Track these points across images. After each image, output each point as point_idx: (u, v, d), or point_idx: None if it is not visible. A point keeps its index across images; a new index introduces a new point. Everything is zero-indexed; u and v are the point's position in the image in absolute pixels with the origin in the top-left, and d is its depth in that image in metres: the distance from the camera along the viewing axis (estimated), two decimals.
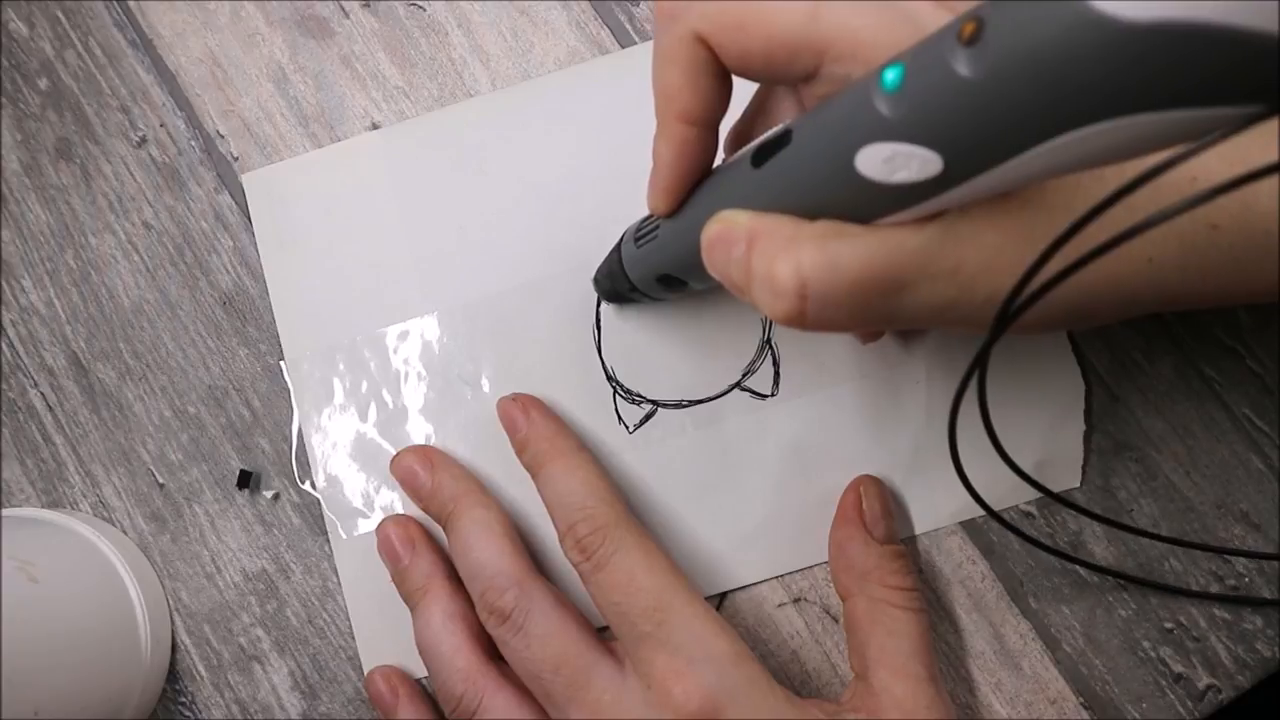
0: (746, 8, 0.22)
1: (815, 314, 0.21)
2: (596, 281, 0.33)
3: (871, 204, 0.20)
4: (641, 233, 0.29)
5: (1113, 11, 0.14)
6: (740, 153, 0.24)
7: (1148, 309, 0.23)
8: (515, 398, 0.33)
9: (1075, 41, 0.14)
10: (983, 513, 0.32)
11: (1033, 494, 0.32)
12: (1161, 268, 0.21)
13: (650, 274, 0.29)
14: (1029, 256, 0.18)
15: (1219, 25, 0.13)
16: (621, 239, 0.31)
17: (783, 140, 0.22)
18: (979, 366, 0.20)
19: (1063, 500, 0.28)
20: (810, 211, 0.22)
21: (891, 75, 0.18)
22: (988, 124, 0.17)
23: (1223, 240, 0.21)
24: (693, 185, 0.26)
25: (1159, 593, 0.32)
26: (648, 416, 0.33)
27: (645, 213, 0.29)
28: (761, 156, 0.23)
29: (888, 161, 0.19)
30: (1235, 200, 0.20)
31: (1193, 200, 0.15)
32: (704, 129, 0.25)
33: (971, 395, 0.22)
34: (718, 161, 0.26)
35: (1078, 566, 0.32)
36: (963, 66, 0.16)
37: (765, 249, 0.22)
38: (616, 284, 0.31)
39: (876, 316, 0.22)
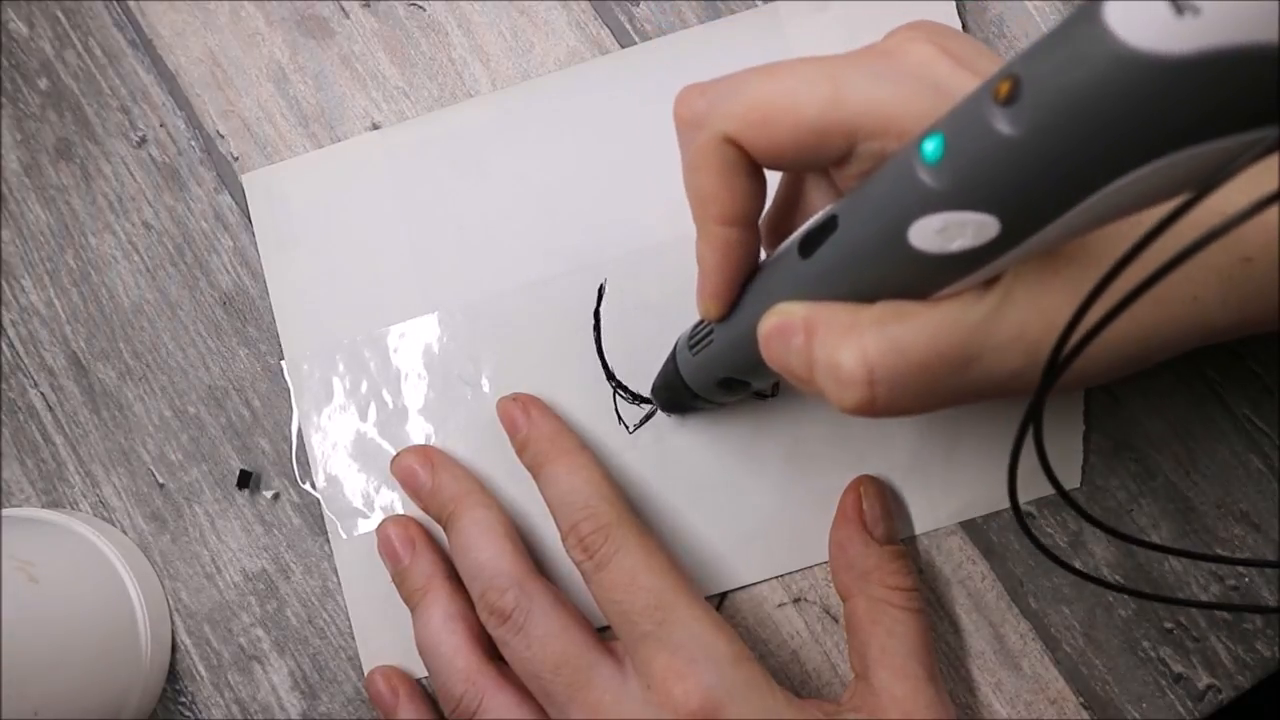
0: (770, 102, 0.22)
1: (885, 400, 0.21)
2: (655, 393, 0.33)
3: (930, 277, 0.20)
4: (695, 339, 0.28)
5: (1151, 48, 0.13)
6: (785, 245, 0.24)
7: (1194, 345, 0.23)
8: (515, 397, 0.33)
9: (1117, 84, 0.14)
10: (982, 513, 0.32)
11: (1032, 494, 0.32)
12: (1205, 305, 0.21)
13: (710, 380, 0.29)
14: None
15: (1257, 45, 0.13)
16: (675, 348, 0.30)
17: (828, 227, 0.22)
18: (1034, 419, 0.20)
19: (1131, 539, 0.26)
20: (866, 294, 0.21)
21: (931, 146, 0.18)
22: (1040, 180, 0.16)
23: (1256, 271, 0.21)
24: (741, 285, 0.26)
25: (1159, 592, 0.32)
26: (648, 416, 0.33)
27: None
28: (809, 246, 0.22)
29: (942, 232, 0.18)
30: (1262, 232, 0.21)
31: (1216, 231, 0.14)
32: (745, 227, 0.25)
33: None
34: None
35: (1077, 566, 0.32)
36: (1004, 126, 0.16)
37: (826, 338, 0.21)
38: (676, 395, 0.31)
39: (946, 395, 0.22)
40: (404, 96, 0.35)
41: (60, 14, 0.37)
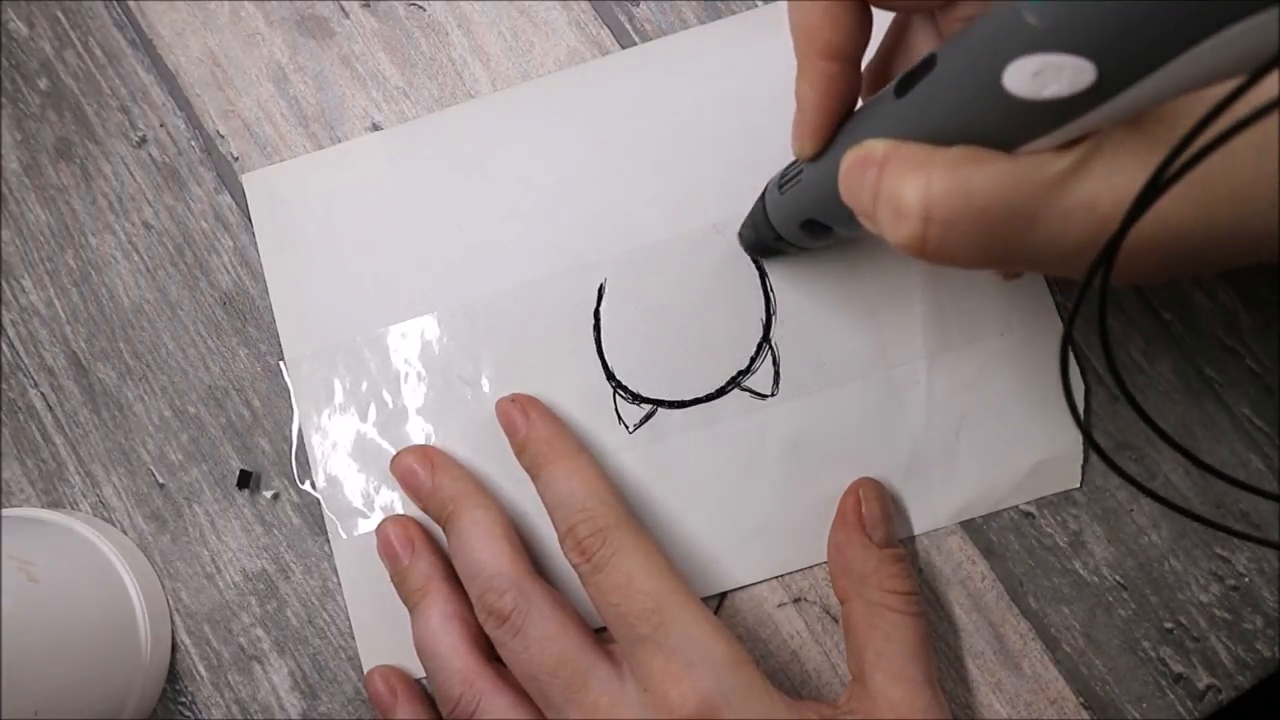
0: None
1: (938, 240, 0.21)
2: (741, 235, 0.33)
3: (1018, 126, 0.19)
4: (785, 179, 0.28)
5: None
6: (885, 88, 0.23)
7: (1246, 258, 0.22)
8: (514, 398, 0.33)
9: None
10: (982, 513, 0.32)
11: (1032, 494, 0.32)
12: (1257, 208, 0.20)
13: (794, 220, 0.28)
14: (1171, 196, 0.17)
15: None
16: (765, 189, 0.30)
17: (927, 66, 0.21)
18: (1107, 260, 0.18)
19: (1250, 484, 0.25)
20: (953, 138, 0.21)
21: None
22: (1144, 23, 0.16)
23: None
24: (837, 125, 0.25)
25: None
26: (648, 416, 0.33)
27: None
28: (905, 85, 0.22)
29: (1037, 75, 0.18)
30: None
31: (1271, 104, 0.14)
32: (847, 63, 0.24)
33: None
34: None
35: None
36: None
37: (894, 170, 0.21)
38: (760, 233, 0.31)
39: (1003, 251, 0.21)
40: (404, 96, 0.35)
41: (60, 14, 0.37)
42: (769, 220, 0.30)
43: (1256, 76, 0.15)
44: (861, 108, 0.25)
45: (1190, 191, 0.19)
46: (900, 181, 0.21)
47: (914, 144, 0.21)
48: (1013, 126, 0.20)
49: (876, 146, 0.22)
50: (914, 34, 0.26)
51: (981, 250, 0.21)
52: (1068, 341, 0.21)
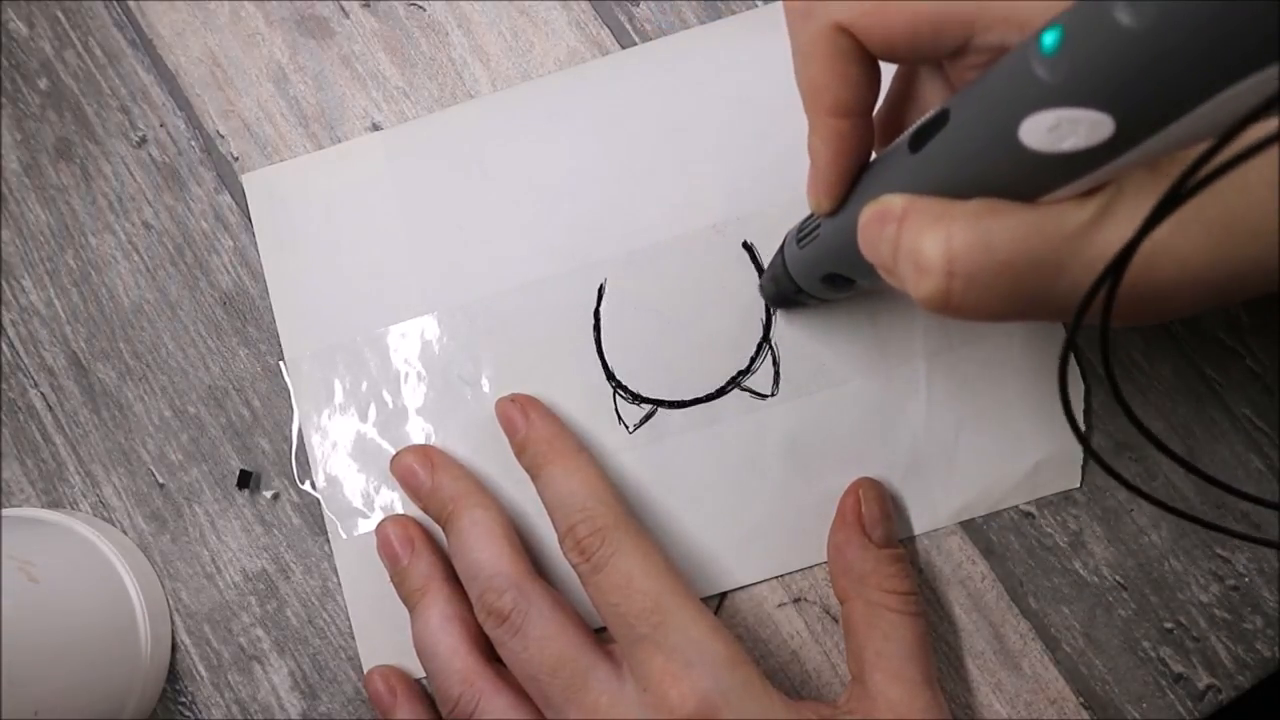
0: None
1: (962, 295, 0.20)
2: (762, 287, 0.33)
3: (1036, 178, 0.19)
4: (803, 233, 0.28)
5: None
6: (897, 141, 0.23)
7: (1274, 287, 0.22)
8: (514, 398, 0.33)
9: None
10: (982, 513, 0.32)
11: (1032, 495, 0.32)
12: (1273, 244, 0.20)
13: (815, 274, 0.28)
14: (1190, 238, 0.17)
15: None
16: (784, 242, 0.30)
17: (940, 121, 0.21)
18: (1115, 273, 0.18)
19: (1253, 496, 0.25)
20: (971, 191, 0.21)
21: (1050, 38, 0.17)
22: (1159, 77, 0.16)
23: None
24: (853, 180, 0.25)
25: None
26: (648, 416, 0.33)
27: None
28: (919, 140, 0.22)
29: (1053, 130, 0.18)
30: None
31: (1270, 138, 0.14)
32: (857, 119, 0.24)
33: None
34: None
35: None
36: (1127, 17, 0.15)
37: (914, 224, 0.21)
38: (781, 288, 0.31)
39: (1028, 303, 0.21)
40: (404, 96, 0.35)
41: (60, 14, 0.37)
42: (789, 274, 0.30)
43: (1250, 119, 0.15)
44: (876, 161, 0.25)
45: (1210, 233, 0.19)
46: (920, 236, 0.21)
47: (932, 198, 0.21)
48: (1031, 179, 0.19)
49: (894, 201, 0.22)
50: (922, 84, 0.26)
51: (1006, 303, 0.21)
52: (1065, 362, 0.21)
